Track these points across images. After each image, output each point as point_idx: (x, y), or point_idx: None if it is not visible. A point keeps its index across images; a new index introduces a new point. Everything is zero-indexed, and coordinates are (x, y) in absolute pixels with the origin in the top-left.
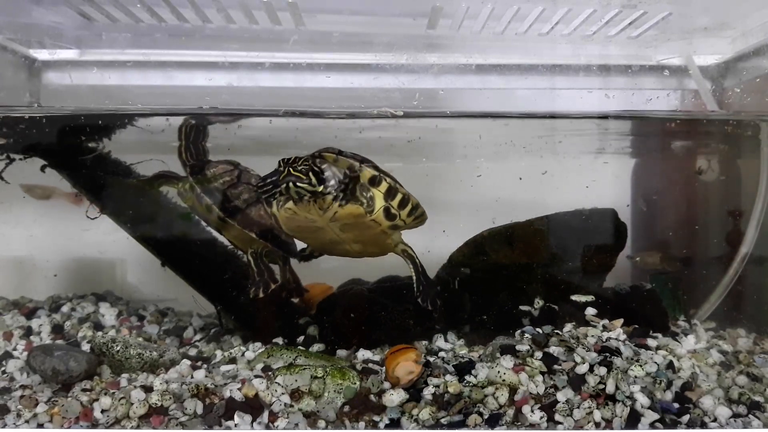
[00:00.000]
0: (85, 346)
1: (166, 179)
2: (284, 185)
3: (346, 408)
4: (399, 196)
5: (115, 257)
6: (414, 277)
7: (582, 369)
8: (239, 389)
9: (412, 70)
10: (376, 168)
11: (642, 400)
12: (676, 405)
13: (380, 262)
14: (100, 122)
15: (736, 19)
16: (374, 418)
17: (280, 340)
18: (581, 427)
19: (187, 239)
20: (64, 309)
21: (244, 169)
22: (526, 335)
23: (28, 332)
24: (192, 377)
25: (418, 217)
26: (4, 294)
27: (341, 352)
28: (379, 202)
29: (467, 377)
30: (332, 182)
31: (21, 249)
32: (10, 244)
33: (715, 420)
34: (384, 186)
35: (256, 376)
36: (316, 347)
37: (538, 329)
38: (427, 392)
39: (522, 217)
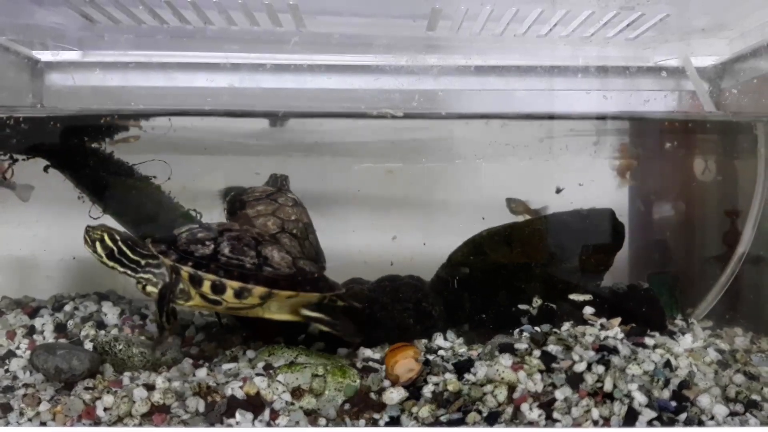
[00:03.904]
0: (88, 345)
1: None
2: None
3: (347, 406)
4: (207, 283)
5: None
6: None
7: (580, 367)
8: (241, 387)
9: (411, 71)
10: (183, 253)
11: (639, 398)
12: (673, 403)
13: (381, 262)
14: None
15: (734, 20)
16: (374, 415)
17: (281, 339)
18: (579, 425)
19: None
20: (67, 308)
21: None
22: (525, 334)
23: (31, 331)
24: (194, 375)
25: (264, 298)
26: (7, 293)
27: (342, 351)
28: (192, 290)
29: (466, 375)
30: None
31: (24, 248)
32: (12, 243)
33: (712, 418)
34: (185, 274)
35: (258, 375)
36: (317, 346)
37: (536, 328)
38: (427, 390)
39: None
